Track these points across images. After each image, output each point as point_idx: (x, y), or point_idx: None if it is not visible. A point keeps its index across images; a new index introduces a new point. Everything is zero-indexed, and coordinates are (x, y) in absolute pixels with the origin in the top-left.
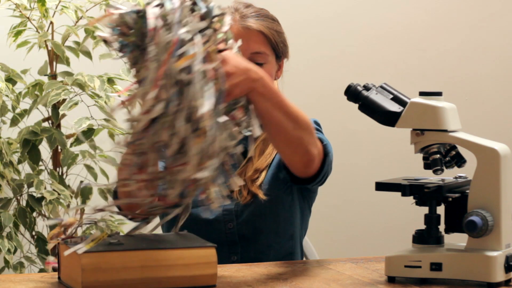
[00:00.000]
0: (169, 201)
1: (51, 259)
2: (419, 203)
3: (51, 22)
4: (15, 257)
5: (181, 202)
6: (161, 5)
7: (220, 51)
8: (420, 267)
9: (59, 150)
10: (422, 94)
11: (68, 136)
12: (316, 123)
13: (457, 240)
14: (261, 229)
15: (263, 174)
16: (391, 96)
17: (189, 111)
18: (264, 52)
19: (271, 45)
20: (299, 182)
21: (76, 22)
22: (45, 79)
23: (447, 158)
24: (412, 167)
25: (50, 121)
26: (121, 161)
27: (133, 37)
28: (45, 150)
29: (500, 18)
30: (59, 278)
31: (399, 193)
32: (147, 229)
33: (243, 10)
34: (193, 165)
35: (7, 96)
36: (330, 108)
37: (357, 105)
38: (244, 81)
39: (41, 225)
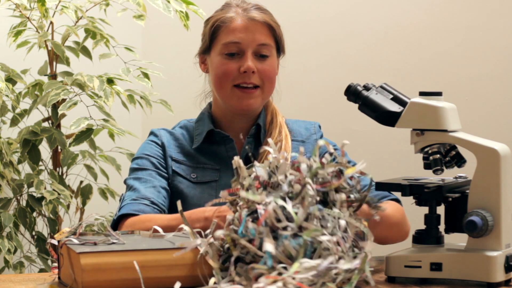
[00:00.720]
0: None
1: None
2: (419, 203)
3: (51, 22)
4: (15, 257)
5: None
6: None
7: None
8: (420, 267)
9: (59, 150)
10: (422, 94)
11: (68, 136)
12: (319, 127)
13: (457, 240)
14: None
15: None
16: (391, 96)
17: None
18: (269, 44)
19: (275, 37)
20: None
21: (76, 22)
22: (45, 79)
23: (447, 158)
24: (412, 167)
25: (50, 121)
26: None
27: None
28: (45, 150)
29: (500, 18)
30: (59, 278)
31: (399, 193)
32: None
33: (243, 5)
34: None
35: (7, 96)
36: (331, 108)
37: (357, 105)
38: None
39: (41, 225)
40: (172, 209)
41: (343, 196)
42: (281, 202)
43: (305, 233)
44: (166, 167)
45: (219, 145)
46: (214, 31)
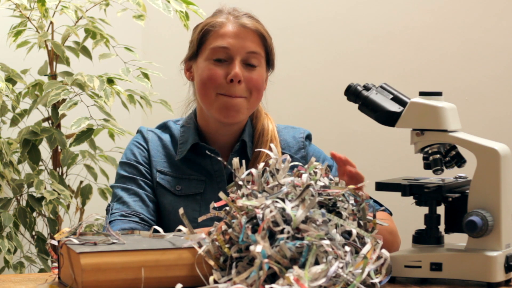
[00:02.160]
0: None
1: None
2: (419, 203)
3: (51, 22)
4: (15, 257)
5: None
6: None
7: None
8: (420, 267)
9: (59, 150)
10: (422, 94)
11: (68, 136)
12: (308, 137)
13: (457, 240)
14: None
15: None
16: (391, 96)
17: None
18: (259, 53)
19: (265, 47)
20: None
21: (76, 22)
22: (45, 79)
23: (447, 158)
24: (412, 167)
25: (50, 121)
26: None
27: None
28: (45, 150)
29: (500, 18)
30: (59, 278)
31: (399, 193)
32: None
33: (234, 12)
34: None
35: (7, 96)
36: (330, 108)
37: (357, 105)
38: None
39: (41, 225)
40: (158, 222)
41: (348, 205)
42: (280, 204)
43: (307, 238)
44: (151, 176)
45: (204, 157)
46: (202, 35)
